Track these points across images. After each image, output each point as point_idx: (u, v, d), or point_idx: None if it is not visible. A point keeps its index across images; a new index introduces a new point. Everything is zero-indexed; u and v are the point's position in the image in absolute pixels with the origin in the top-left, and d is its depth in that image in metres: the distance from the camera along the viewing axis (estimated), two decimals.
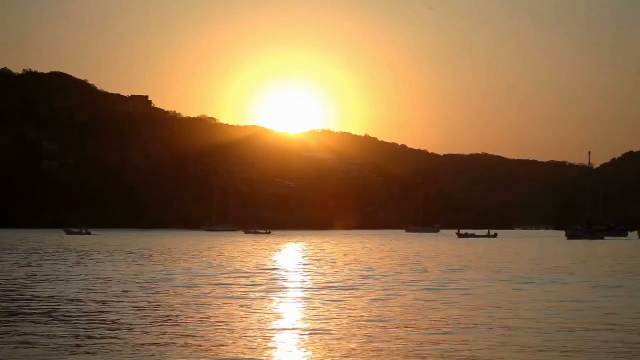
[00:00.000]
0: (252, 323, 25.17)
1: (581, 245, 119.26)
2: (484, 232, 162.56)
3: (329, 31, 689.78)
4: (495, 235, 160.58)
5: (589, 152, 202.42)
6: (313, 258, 70.36)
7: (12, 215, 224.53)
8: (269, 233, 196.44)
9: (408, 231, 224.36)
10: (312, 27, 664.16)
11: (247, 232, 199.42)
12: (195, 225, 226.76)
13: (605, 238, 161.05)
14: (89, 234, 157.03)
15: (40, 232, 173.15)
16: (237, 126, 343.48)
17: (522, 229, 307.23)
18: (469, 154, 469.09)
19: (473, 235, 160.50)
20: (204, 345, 20.59)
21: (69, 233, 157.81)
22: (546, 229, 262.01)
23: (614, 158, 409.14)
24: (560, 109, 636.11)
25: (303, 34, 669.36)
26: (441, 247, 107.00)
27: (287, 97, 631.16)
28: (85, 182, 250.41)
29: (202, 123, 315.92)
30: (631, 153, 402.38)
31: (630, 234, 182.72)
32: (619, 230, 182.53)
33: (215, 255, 74.01)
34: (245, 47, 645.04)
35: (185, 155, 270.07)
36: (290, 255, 77.44)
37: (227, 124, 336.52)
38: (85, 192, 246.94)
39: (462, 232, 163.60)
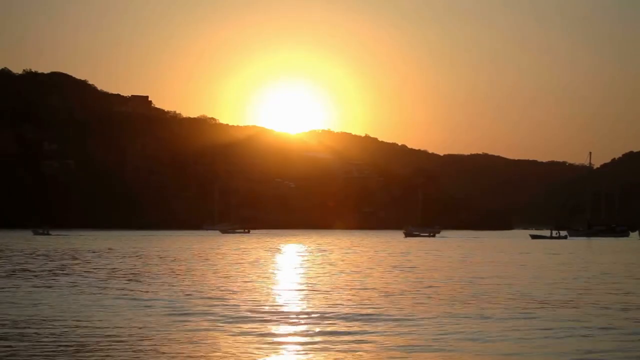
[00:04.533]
0: None
1: (500, 246, 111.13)
2: (427, 232, 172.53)
3: (330, 31, 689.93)
4: (434, 235, 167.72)
5: (590, 153, 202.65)
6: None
7: (12, 215, 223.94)
8: (248, 232, 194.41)
9: (408, 231, 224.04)
10: (313, 27, 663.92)
11: (224, 232, 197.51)
12: (196, 225, 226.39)
13: (569, 238, 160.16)
14: (48, 234, 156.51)
15: (18, 232, 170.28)
16: (237, 126, 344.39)
17: (523, 229, 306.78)
18: (469, 154, 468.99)
19: (418, 235, 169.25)
20: None
21: (35, 233, 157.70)
22: (546, 229, 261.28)
23: (614, 158, 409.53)
24: (560, 109, 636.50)
25: (303, 34, 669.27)
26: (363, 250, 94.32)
27: (287, 97, 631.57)
28: (85, 182, 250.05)
29: (202, 123, 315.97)
30: (631, 153, 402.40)
31: (631, 234, 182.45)
32: (620, 230, 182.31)
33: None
34: (245, 47, 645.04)
35: (185, 156, 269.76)
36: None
37: (227, 124, 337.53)
38: (84, 192, 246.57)
39: (409, 231, 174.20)
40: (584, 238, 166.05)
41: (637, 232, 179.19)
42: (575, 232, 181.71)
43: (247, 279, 44.33)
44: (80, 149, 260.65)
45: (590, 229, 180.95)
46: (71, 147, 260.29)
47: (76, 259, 66.89)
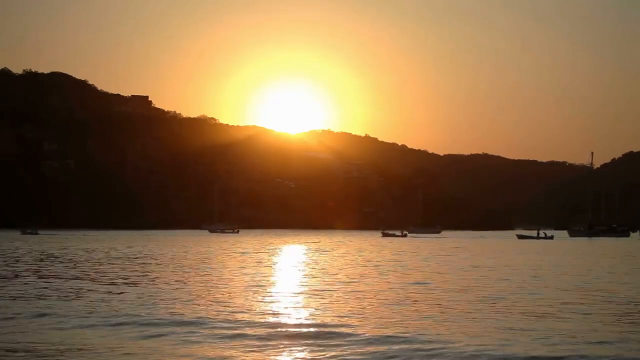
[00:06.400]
0: None
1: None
2: (400, 232, 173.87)
3: (330, 31, 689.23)
4: (406, 235, 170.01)
5: (592, 153, 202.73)
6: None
7: (12, 215, 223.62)
8: (237, 232, 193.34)
9: (410, 232, 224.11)
10: (313, 27, 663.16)
11: (212, 231, 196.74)
12: (196, 225, 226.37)
13: (555, 239, 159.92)
14: (37, 233, 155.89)
15: (7, 232, 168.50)
16: (237, 126, 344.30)
17: (524, 229, 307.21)
18: (469, 154, 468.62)
19: (394, 235, 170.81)
20: None
21: (23, 233, 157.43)
22: (547, 229, 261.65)
23: (614, 158, 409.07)
24: (560, 109, 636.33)
25: (303, 34, 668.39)
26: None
27: (287, 97, 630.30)
28: (85, 182, 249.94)
29: (202, 123, 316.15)
30: (631, 153, 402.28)
31: (632, 234, 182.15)
32: (621, 230, 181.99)
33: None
34: (245, 47, 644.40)
35: (185, 156, 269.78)
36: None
37: (227, 124, 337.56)
38: (84, 192, 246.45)
39: (385, 232, 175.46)
40: (585, 238, 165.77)
41: (637, 232, 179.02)
42: (576, 232, 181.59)
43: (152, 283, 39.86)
44: (80, 149, 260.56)
45: (592, 229, 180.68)
46: (71, 147, 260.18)
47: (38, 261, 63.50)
